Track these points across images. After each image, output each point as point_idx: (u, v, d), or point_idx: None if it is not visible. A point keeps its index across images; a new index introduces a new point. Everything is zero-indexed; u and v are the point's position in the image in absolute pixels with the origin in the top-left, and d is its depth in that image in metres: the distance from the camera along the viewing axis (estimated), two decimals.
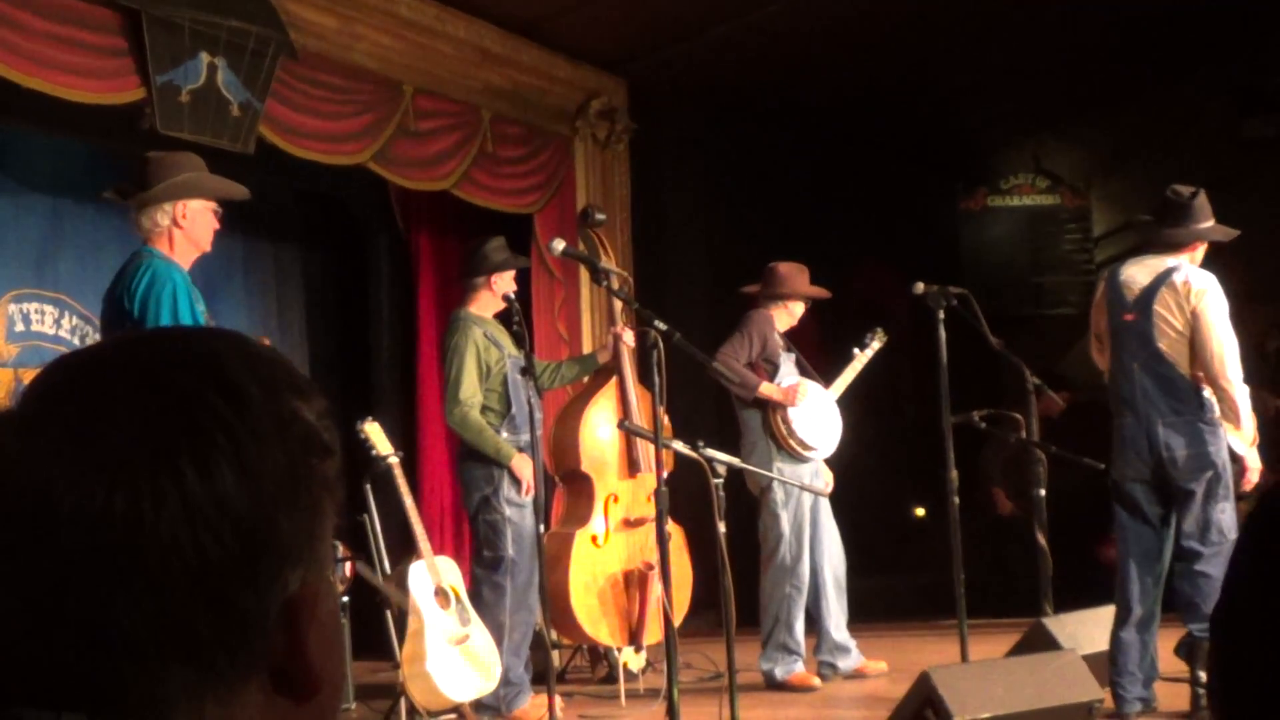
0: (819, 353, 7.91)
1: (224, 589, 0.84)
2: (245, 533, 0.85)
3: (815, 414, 7.23)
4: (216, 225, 5.04)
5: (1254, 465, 5.77)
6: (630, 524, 7.02)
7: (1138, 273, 5.86)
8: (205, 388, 0.87)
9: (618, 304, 6.98)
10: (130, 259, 4.88)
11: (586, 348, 8.81)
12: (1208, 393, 5.70)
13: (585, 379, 7.24)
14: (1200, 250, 5.90)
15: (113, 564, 0.83)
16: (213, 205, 5.00)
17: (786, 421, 7.14)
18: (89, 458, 0.84)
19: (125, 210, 5.11)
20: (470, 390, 6.46)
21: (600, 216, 7.16)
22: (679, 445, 4.93)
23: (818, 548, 7.24)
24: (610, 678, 7.25)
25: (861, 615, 7.72)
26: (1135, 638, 5.73)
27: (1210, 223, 5.86)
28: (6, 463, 0.85)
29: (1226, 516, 5.66)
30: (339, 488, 0.92)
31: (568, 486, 7.29)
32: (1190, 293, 5.69)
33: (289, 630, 0.88)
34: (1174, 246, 5.81)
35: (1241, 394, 5.67)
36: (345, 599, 6.61)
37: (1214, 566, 5.58)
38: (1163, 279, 5.76)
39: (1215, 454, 5.66)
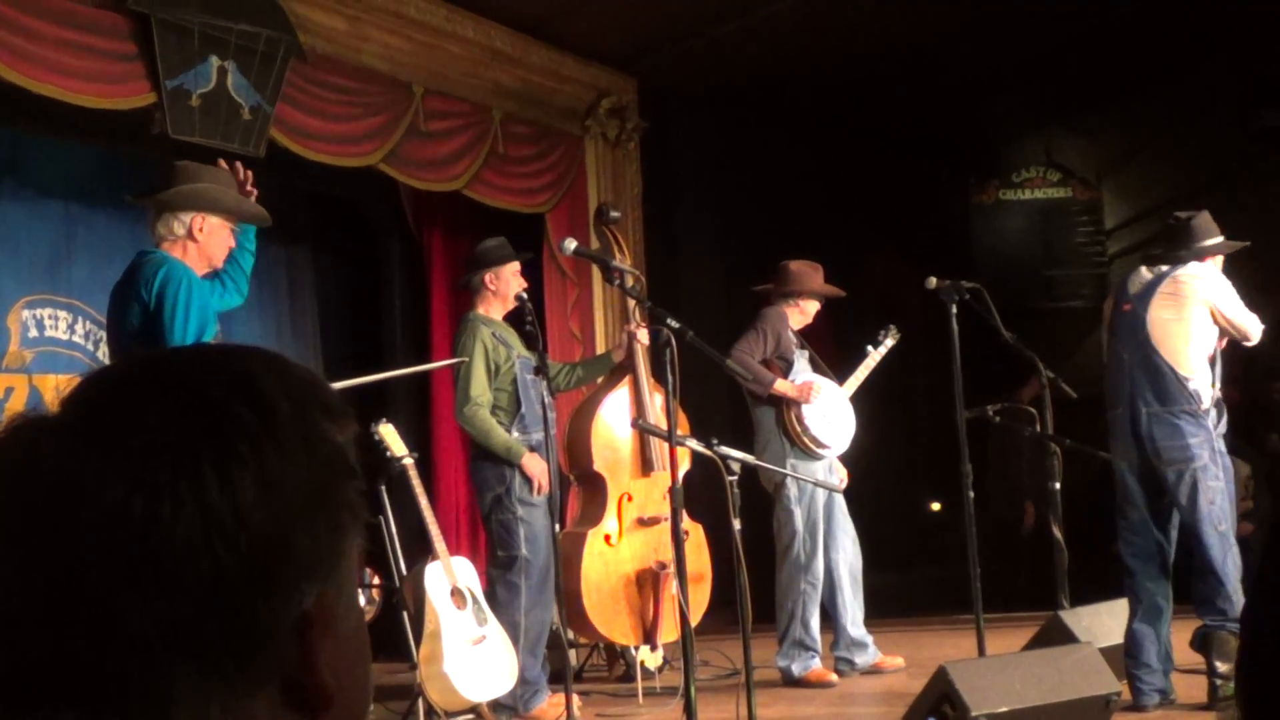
0: (833, 349, 7.90)
1: (235, 597, 0.85)
2: (261, 544, 0.86)
3: (829, 411, 7.22)
4: (232, 243, 5.02)
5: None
6: (644, 523, 7.00)
7: (1148, 270, 5.94)
8: (234, 399, 0.88)
9: (633, 302, 6.97)
10: (140, 258, 4.84)
11: (600, 347, 8.80)
12: (1193, 385, 5.74)
13: (600, 379, 7.23)
14: (1217, 260, 5.96)
15: (127, 562, 0.84)
16: (231, 224, 4.99)
17: (800, 419, 7.13)
18: (115, 458, 0.85)
19: (138, 215, 5.10)
20: (480, 389, 6.46)
21: (615, 214, 7.14)
22: (693, 443, 4.92)
23: (833, 544, 7.24)
24: (627, 676, 7.24)
25: (878, 611, 7.71)
26: (1148, 629, 5.75)
27: (1217, 238, 5.91)
28: (38, 459, 0.87)
29: (1216, 506, 5.68)
30: (363, 510, 0.93)
31: (582, 486, 7.28)
32: (1192, 281, 5.75)
33: (301, 644, 0.88)
34: (1185, 262, 5.88)
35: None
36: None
37: (1213, 557, 5.63)
38: (1167, 273, 5.84)
39: (1197, 446, 5.70)
